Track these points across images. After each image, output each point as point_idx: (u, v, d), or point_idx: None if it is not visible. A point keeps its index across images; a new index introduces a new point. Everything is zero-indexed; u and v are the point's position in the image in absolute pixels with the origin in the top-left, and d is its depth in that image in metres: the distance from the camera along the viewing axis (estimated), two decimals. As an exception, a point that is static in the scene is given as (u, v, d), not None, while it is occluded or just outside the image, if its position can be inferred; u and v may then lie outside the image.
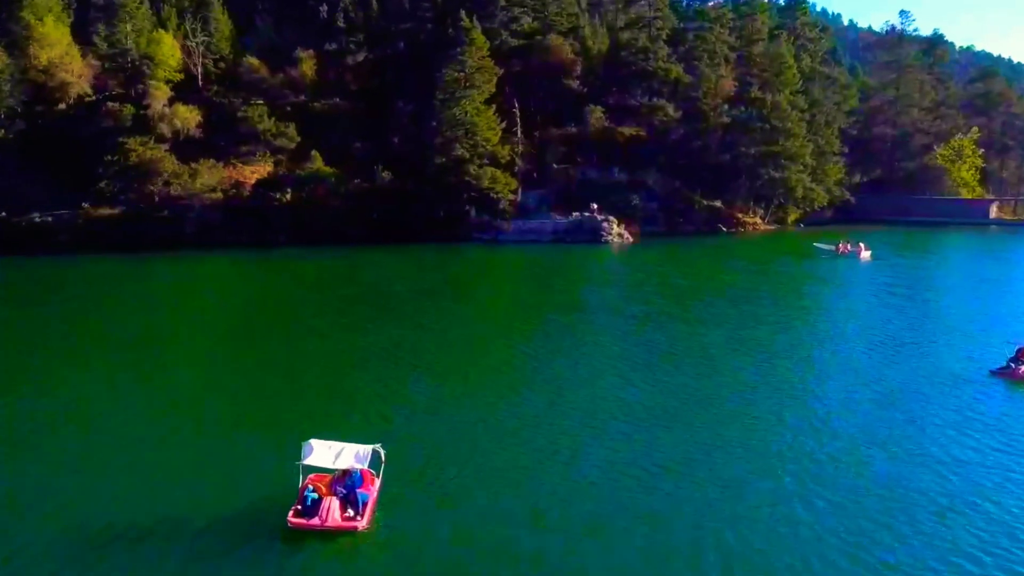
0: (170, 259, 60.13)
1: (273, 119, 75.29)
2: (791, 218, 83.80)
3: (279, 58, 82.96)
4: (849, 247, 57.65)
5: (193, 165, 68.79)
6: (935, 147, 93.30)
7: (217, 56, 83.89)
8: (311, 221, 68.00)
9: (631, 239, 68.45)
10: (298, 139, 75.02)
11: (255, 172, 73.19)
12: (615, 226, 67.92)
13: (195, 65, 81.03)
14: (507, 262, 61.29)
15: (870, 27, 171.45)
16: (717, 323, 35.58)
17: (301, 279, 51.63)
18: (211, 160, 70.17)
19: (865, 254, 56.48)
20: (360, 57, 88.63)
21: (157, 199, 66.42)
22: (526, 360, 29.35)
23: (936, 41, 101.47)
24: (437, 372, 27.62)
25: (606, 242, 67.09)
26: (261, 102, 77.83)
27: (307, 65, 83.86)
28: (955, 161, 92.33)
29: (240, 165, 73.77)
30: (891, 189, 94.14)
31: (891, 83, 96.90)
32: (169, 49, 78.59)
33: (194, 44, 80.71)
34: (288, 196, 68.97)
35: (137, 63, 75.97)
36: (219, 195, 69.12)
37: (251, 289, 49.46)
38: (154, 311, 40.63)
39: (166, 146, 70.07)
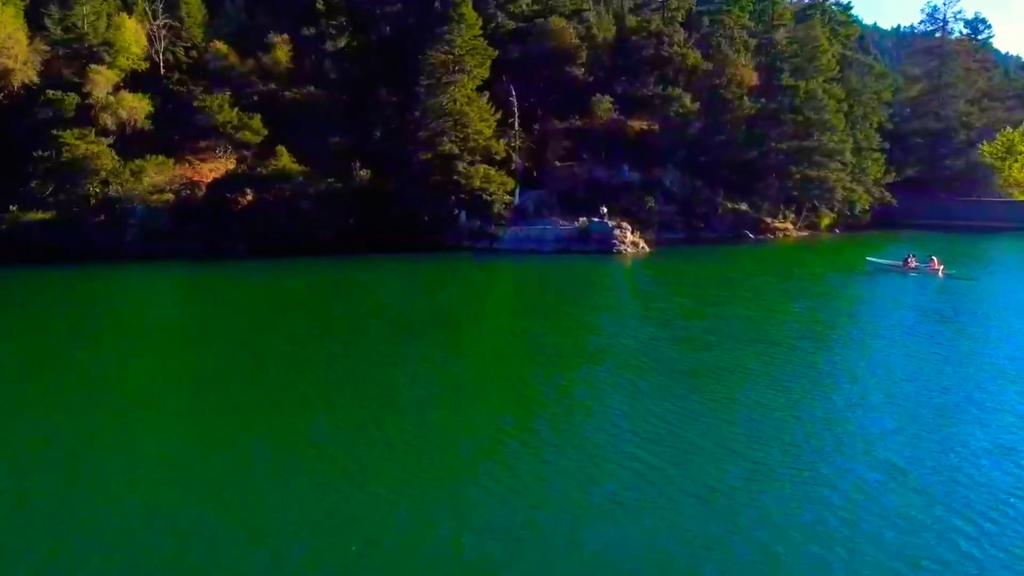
0: (101, 273, 50.77)
1: (236, 110, 65.83)
2: (824, 223, 74.12)
3: (250, 44, 73.98)
4: (914, 261, 47.53)
5: (139, 162, 59.32)
6: (980, 143, 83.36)
7: (189, 44, 74.87)
8: (275, 227, 58.52)
9: (647, 249, 58.65)
10: (265, 132, 65.54)
11: (214, 170, 63.85)
12: (629, 234, 58.11)
13: (157, 52, 71.84)
14: (504, 282, 51.30)
15: (876, 24, 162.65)
16: (808, 391, 25.05)
17: (251, 305, 41.94)
18: (160, 156, 60.68)
19: (939, 271, 46.44)
20: (341, 43, 79.42)
21: (94, 201, 56.94)
22: (532, 478, 18.15)
23: (980, 24, 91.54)
24: (394, 506, 16.84)
25: (618, 252, 57.19)
26: (227, 91, 68.55)
27: (281, 51, 74.77)
28: (1004, 158, 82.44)
29: (198, 163, 64.46)
30: (928, 190, 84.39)
31: (933, 71, 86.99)
32: (132, 35, 69.64)
33: (155, 27, 71.44)
34: (248, 198, 59.40)
35: (95, 49, 66.80)
36: (169, 196, 59.66)
37: (184, 321, 39.69)
38: (28, 355, 31.10)
39: (110, 140, 60.65)
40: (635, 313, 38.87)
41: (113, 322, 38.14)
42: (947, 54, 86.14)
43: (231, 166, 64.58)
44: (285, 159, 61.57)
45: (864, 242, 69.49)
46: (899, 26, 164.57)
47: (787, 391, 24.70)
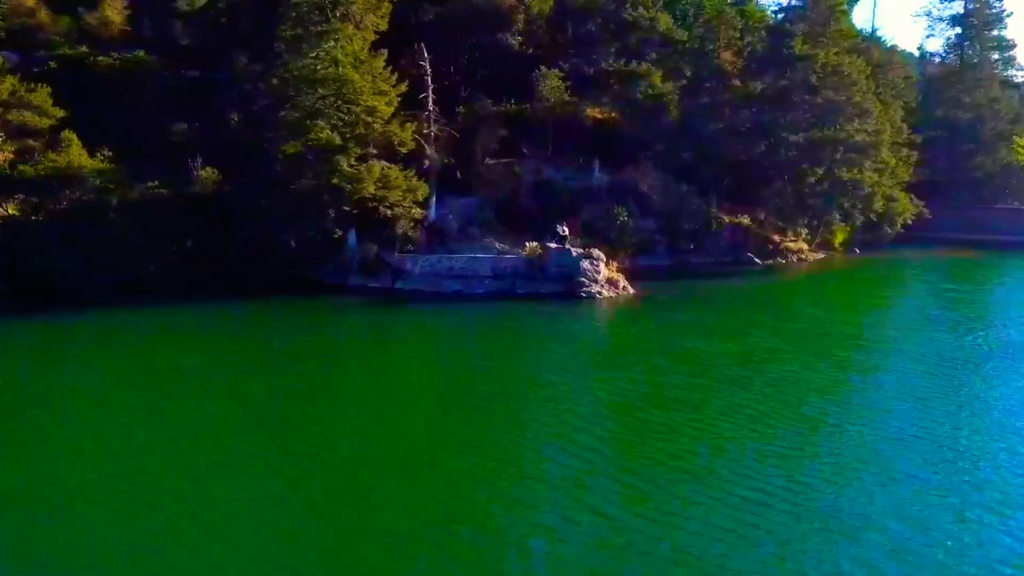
0: None
1: (14, 79, 44.24)
2: (837, 240, 56.51)
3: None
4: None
5: None
6: (1012, 138, 67.30)
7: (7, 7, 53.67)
8: (55, 256, 37.35)
9: (631, 290, 38.79)
10: (60, 114, 44.06)
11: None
12: (603, 266, 38.33)
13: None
14: (409, 368, 29.46)
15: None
16: None
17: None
18: None
19: None
20: (200, 2, 58.97)
21: None
22: None
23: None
24: None
25: (588, 296, 37.26)
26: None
27: (111, 9, 54.18)
28: (1040, 156, 66.65)
29: (-49, 158, 42.87)
30: (947, 195, 67.95)
31: (955, 49, 70.55)
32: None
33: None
34: (8, 211, 37.94)
35: None
36: None
37: None
38: None
39: None
40: (645, 474, 18.70)
41: None
42: (972, 28, 69.61)
43: (10, 157, 43.16)
44: (75, 152, 40.12)
45: (902, 266, 52.49)
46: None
47: None
